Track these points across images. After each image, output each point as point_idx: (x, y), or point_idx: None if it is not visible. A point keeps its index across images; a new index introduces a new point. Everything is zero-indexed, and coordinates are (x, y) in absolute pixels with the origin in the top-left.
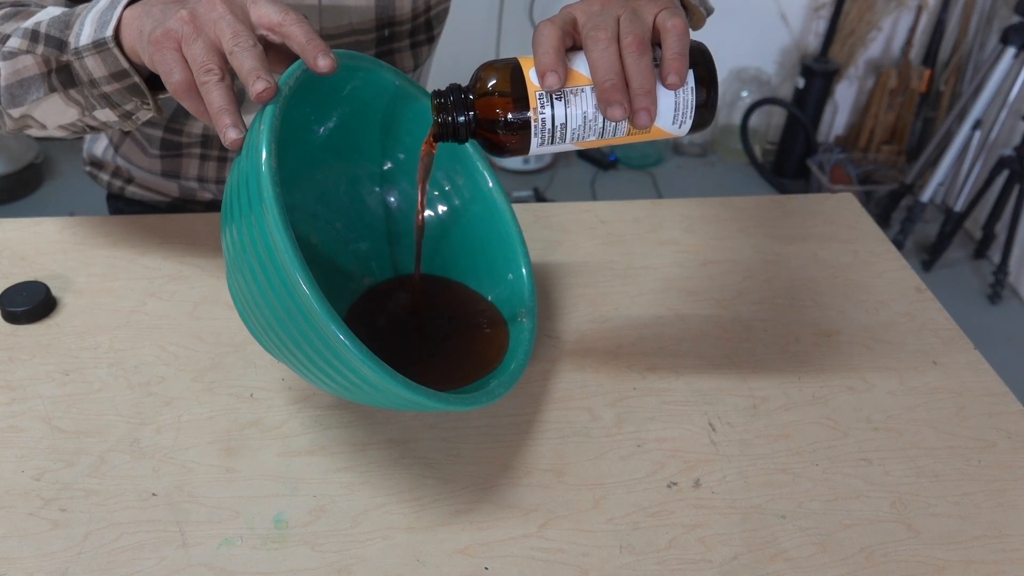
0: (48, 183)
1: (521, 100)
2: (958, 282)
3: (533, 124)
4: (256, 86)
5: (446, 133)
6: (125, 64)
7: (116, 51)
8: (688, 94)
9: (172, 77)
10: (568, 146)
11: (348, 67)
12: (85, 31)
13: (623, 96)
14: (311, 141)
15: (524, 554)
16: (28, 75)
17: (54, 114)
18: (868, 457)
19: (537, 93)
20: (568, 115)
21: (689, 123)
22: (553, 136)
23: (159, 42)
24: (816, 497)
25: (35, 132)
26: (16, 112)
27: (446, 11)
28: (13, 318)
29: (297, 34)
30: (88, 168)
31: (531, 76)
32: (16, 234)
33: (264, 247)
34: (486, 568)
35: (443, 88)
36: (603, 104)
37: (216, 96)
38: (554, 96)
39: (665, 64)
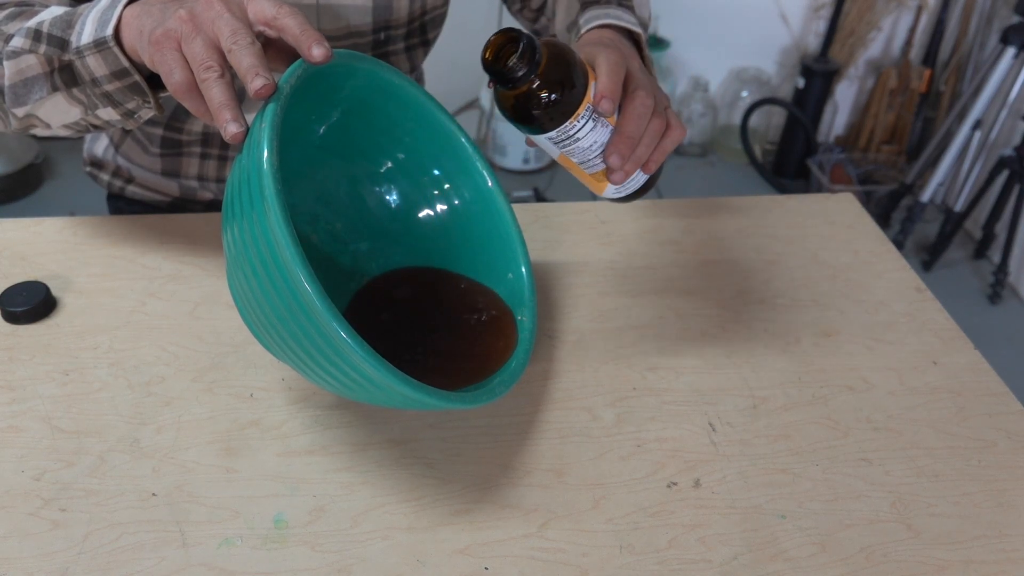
0: (48, 183)
1: (575, 98)
2: (958, 282)
3: (566, 123)
4: (255, 83)
5: (503, 71)
6: (125, 63)
7: (116, 50)
8: (643, 177)
9: (172, 77)
10: (555, 151)
11: (348, 66)
12: (86, 30)
13: (628, 153)
14: (311, 141)
15: (524, 554)
16: (31, 74)
17: (58, 113)
18: (868, 457)
19: (588, 104)
20: (587, 135)
21: (625, 194)
22: (564, 141)
23: (159, 42)
24: (816, 497)
25: (40, 131)
26: (20, 111)
27: (443, 16)
28: (13, 318)
29: (291, 26)
30: (88, 168)
31: (592, 87)
32: (16, 234)
33: (265, 245)
34: (486, 568)
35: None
36: (613, 147)
37: (216, 92)
38: (593, 116)
39: (654, 154)
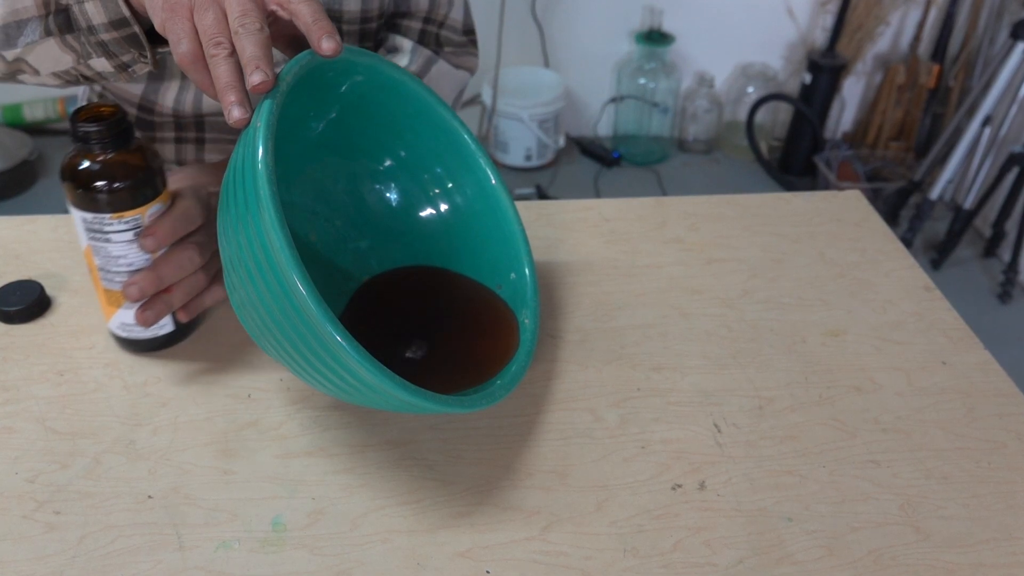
0: (42, 180)
1: (131, 201)
2: (967, 281)
3: (107, 215)
4: (253, 78)
5: (95, 128)
6: (127, 12)
7: None
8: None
9: (180, 47)
10: (84, 239)
11: (348, 62)
12: None
13: (149, 291)
14: (309, 137)
15: (526, 557)
16: (25, 16)
17: (49, 60)
18: (876, 459)
19: (139, 217)
20: (121, 245)
21: (136, 336)
22: (96, 233)
23: (173, 9)
24: (823, 499)
25: (28, 79)
26: (10, 54)
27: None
28: (7, 317)
29: (304, 13)
30: None
31: (155, 209)
32: (10, 232)
33: (260, 246)
34: (487, 572)
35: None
36: (138, 279)
37: (223, 71)
38: (137, 231)
39: (188, 304)
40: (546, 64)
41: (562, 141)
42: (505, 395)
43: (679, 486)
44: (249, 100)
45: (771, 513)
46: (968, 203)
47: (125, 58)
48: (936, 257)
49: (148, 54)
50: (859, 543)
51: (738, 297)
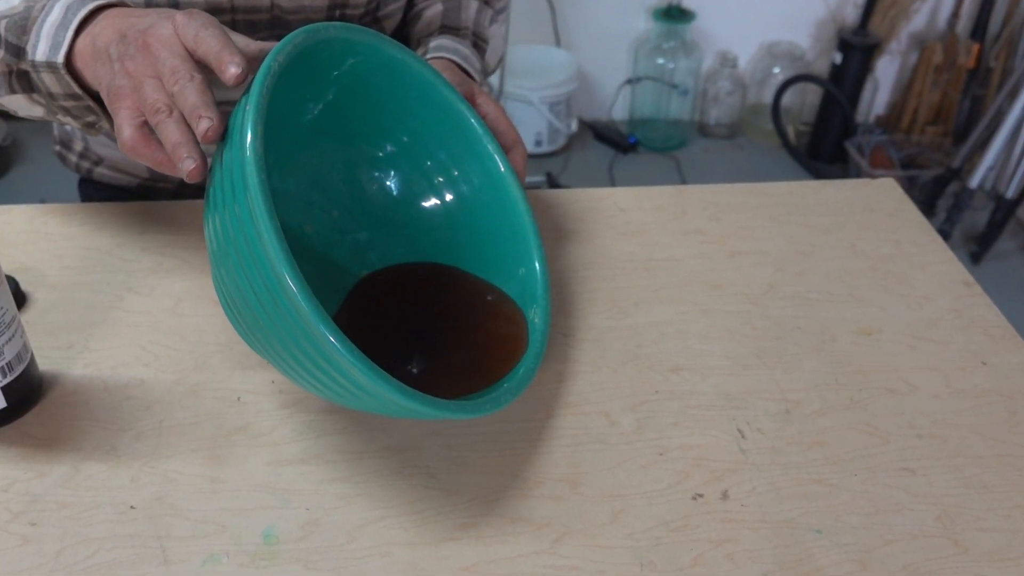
0: (17, 168)
1: None
2: (1009, 275)
3: None
4: (200, 127)
5: None
6: (77, 89)
7: (68, 78)
8: None
9: (122, 134)
10: None
11: (346, 40)
12: (40, 46)
13: None
14: (305, 122)
15: (535, 572)
16: None
17: (22, 109)
18: (911, 466)
19: None
20: None
21: None
22: None
23: (112, 100)
24: (854, 510)
25: (11, 112)
26: None
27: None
28: None
29: (211, 48)
30: (57, 147)
31: None
32: None
33: (247, 239)
34: None
35: None
36: None
37: (170, 131)
38: None
39: None
40: (557, 43)
41: (574, 125)
42: (513, 399)
43: (700, 496)
44: (201, 151)
45: (799, 525)
46: (1011, 192)
47: (89, 119)
48: (976, 250)
49: (106, 122)
50: (893, 557)
51: (763, 293)
